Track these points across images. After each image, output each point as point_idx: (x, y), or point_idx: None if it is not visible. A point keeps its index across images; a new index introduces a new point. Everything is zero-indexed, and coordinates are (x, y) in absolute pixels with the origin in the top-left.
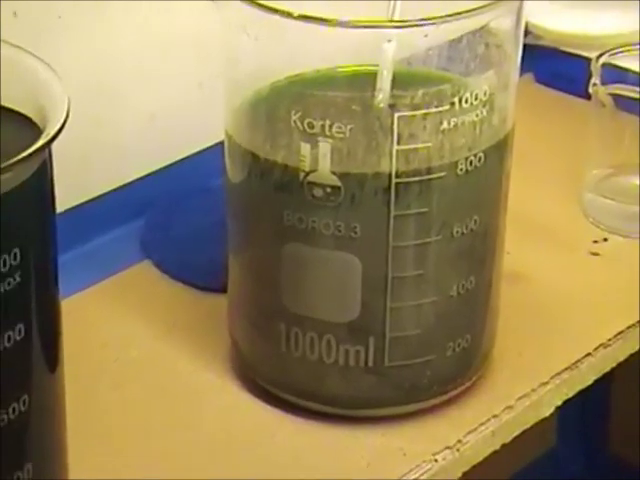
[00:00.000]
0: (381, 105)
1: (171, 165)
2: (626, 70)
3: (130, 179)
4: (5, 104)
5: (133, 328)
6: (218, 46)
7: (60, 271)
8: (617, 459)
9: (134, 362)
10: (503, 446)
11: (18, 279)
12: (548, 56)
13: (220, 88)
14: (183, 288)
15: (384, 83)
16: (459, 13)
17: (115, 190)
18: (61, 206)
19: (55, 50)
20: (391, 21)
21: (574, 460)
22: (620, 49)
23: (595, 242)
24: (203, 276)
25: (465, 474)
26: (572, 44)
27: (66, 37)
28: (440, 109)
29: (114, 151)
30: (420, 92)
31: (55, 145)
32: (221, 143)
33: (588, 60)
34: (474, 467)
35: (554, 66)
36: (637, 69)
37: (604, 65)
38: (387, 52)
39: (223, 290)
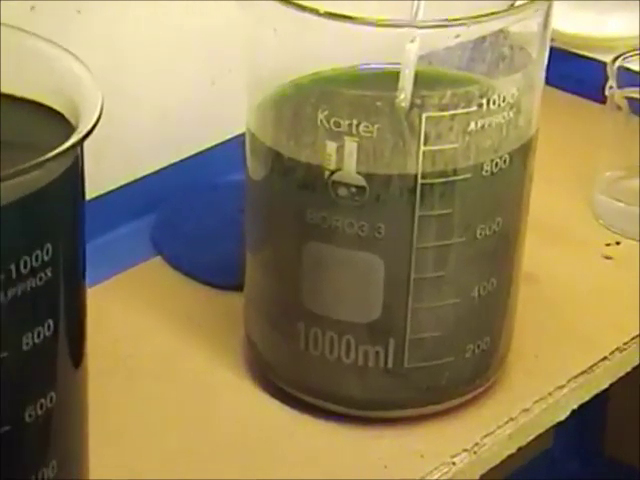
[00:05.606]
0: (402, 104)
1: (182, 161)
2: (638, 73)
3: (141, 175)
4: (36, 98)
5: (146, 324)
6: (238, 42)
7: None
8: (612, 461)
9: (148, 358)
10: (519, 449)
11: (49, 274)
12: (558, 58)
13: (232, 85)
14: (195, 284)
15: (406, 83)
16: (488, 15)
17: (126, 185)
18: None
19: (72, 46)
20: (417, 24)
21: (570, 461)
22: (634, 52)
23: (608, 245)
24: (214, 273)
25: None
26: (582, 46)
27: (84, 32)
28: (468, 110)
29: (125, 147)
30: (448, 92)
31: None
32: (231, 140)
33: (598, 62)
34: None
35: (564, 68)
36: None
37: (618, 68)
38: (410, 52)
39: (234, 287)
